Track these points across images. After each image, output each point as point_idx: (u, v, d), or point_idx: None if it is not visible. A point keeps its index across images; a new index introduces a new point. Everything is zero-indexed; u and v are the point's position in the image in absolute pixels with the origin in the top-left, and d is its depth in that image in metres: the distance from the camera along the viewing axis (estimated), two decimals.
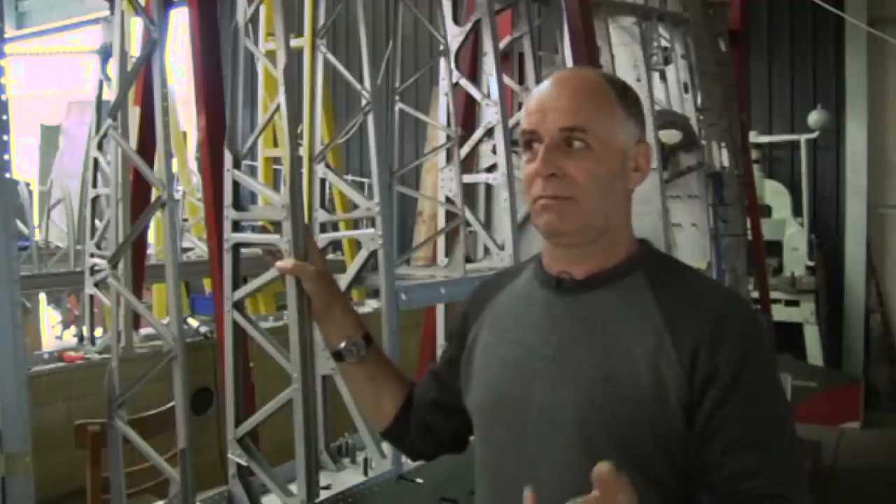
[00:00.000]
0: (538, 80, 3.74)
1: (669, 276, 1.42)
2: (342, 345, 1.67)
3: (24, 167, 11.29)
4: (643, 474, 1.29)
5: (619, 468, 1.23)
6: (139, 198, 3.60)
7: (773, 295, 7.48)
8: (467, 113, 3.93)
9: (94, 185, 3.82)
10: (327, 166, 2.96)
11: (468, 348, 1.56)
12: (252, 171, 6.92)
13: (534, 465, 1.38)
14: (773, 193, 8.56)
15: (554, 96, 1.40)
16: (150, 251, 5.29)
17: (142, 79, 3.65)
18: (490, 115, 3.48)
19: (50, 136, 11.47)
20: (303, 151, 2.96)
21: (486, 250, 3.50)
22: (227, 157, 2.50)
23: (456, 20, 3.70)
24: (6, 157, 1.95)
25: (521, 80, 3.98)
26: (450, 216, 3.54)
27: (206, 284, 6.94)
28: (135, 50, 3.48)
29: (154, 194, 3.24)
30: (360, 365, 1.68)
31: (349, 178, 6.14)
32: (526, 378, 1.41)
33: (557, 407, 1.37)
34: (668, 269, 1.44)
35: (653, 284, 1.39)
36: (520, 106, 3.98)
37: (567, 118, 1.37)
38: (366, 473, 2.78)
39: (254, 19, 2.68)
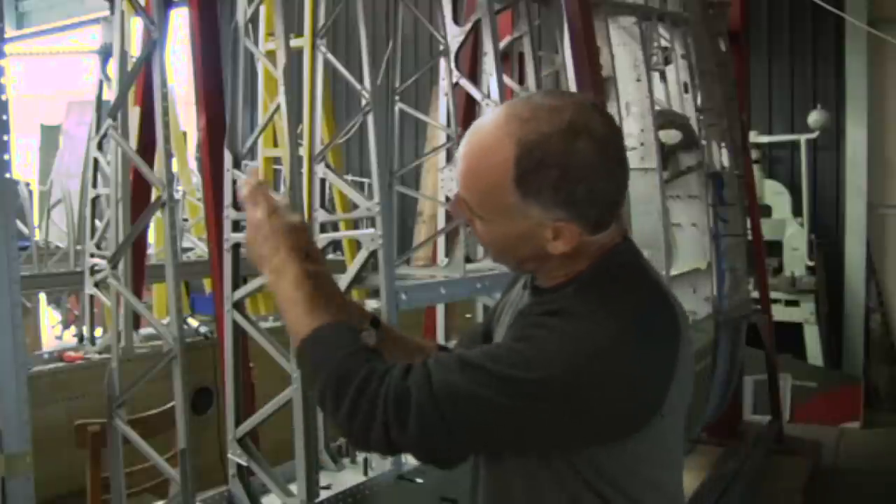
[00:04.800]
0: (538, 80, 3.74)
1: (589, 291, 1.34)
2: None
3: (26, 166, 11.30)
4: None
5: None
6: (139, 198, 3.60)
7: (773, 295, 7.47)
8: (467, 113, 3.93)
9: (94, 185, 3.82)
10: (327, 166, 2.96)
11: (494, 322, 1.61)
12: None
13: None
14: (773, 193, 8.56)
15: (462, 150, 1.35)
16: (150, 251, 5.29)
17: (142, 79, 3.64)
18: None
19: (50, 136, 11.47)
20: (303, 151, 2.96)
21: (486, 250, 3.50)
22: (227, 157, 2.50)
23: (456, 20, 3.70)
24: (6, 157, 1.95)
25: (521, 80, 3.98)
26: (450, 216, 3.54)
27: (206, 284, 6.94)
28: (135, 50, 3.48)
29: (154, 194, 3.25)
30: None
31: (349, 178, 6.15)
32: None
33: None
34: (598, 286, 1.35)
35: (564, 305, 1.34)
36: None
37: (459, 183, 1.37)
38: (366, 473, 2.78)
39: (254, 19, 2.68)
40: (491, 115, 1.35)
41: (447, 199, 3.48)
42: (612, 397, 1.27)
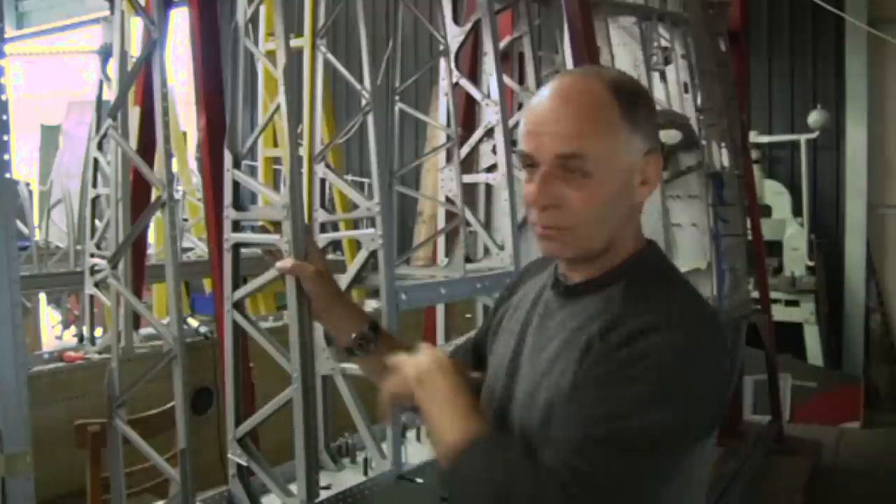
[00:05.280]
0: (538, 80, 3.74)
1: (643, 291, 1.33)
2: (350, 342, 1.66)
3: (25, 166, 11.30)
4: None
5: None
6: (139, 198, 3.61)
7: (773, 295, 7.48)
8: (467, 113, 3.93)
9: (94, 185, 3.82)
10: (327, 166, 2.96)
11: (493, 330, 1.57)
12: (252, 171, 6.92)
13: None
14: (773, 193, 8.56)
15: (551, 117, 1.30)
16: (150, 251, 5.30)
17: (142, 79, 3.65)
18: (490, 115, 3.48)
19: (50, 136, 11.48)
20: (303, 151, 2.96)
21: (486, 250, 3.50)
22: (227, 157, 2.50)
23: (456, 20, 3.70)
24: (6, 157, 1.95)
25: (521, 80, 3.98)
26: (450, 216, 3.54)
27: (206, 284, 6.95)
28: (135, 50, 3.48)
29: (154, 194, 3.25)
30: (376, 354, 1.65)
31: (349, 178, 6.15)
32: (508, 373, 1.43)
33: (513, 406, 1.39)
34: (647, 283, 1.34)
35: (625, 298, 1.33)
36: (520, 106, 3.98)
37: (563, 144, 1.29)
38: (366, 473, 2.78)
39: (254, 19, 2.68)
40: (561, 78, 1.37)
41: (447, 199, 3.48)
42: (715, 398, 1.29)
